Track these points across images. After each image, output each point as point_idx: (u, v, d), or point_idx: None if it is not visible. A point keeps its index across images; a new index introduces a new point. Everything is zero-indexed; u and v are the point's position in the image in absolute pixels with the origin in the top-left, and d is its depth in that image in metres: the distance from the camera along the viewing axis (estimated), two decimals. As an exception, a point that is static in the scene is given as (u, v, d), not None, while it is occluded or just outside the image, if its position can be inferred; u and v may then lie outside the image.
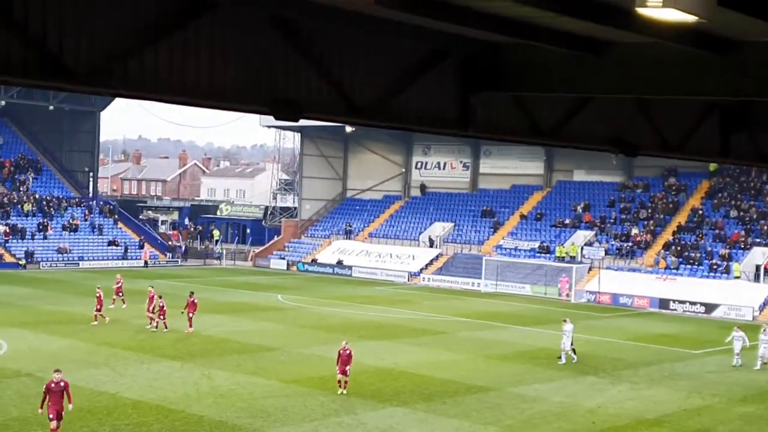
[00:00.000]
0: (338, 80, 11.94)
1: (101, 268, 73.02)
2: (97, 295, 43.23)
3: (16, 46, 9.05)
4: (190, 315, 41.44)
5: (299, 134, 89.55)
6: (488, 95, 13.68)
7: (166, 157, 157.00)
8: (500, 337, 44.96)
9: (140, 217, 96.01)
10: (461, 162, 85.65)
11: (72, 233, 78.65)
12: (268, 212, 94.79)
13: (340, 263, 77.20)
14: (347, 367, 29.72)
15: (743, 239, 64.50)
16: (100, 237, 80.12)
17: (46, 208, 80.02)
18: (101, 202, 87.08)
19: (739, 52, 11.58)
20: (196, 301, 42.16)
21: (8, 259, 72.05)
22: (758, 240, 64.21)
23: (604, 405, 30.27)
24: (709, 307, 58.07)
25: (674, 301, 59.62)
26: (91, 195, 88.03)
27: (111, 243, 79.42)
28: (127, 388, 29.59)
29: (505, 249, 72.78)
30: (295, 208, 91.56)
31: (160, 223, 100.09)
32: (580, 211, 74.64)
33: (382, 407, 28.54)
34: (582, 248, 69.20)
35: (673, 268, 64.09)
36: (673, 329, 50.63)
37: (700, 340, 46.39)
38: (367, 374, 32.92)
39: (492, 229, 76.88)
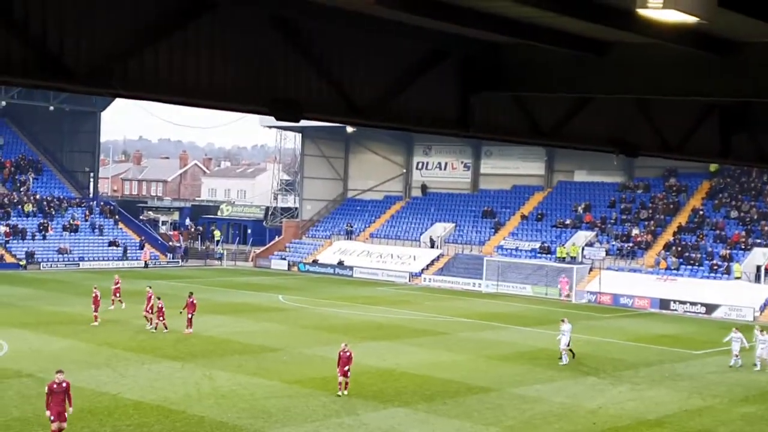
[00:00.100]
0: (338, 80, 11.94)
1: (102, 268, 73.04)
2: (93, 295, 43.24)
3: (16, 46, 9.05)
4: (190, 316, 41.40)
5: (300, 134, 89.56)
6: (488, 95, 13.68)
7: (167, 158, 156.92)
8: (501, 337, 44.95)
9: (141, 217, 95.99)
10: (462, 162, 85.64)
11: (72, 234, 78.68)
12: (269, 213, 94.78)
13: (341, 264, 77.20)
14: (347, 369, 29.72)
15: (744, 240, 64.47)
16: (100, 237, 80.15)
17: (46, 208, 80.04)
18: (102, 203, 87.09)
19: (739, 53, 11.58)
20: (195, 301, 42.13)
21: (9, 259, 72.08)
22: (759, 240, 64.17)
23: (605, 406, 30.27)
24: (710, 308, 58.05)
25: (675, 301, 59.59)
26: (91, 195, 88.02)
27: (111, 243, 79.44)
28: (128, 388, 29.59)
29: (506, 249, 72.76)
30: (296, 208, 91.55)
31: (160, 224, 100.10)
32: (581, 211, 74.63)
33: (384, 408, 28.53)
34: (583, 249, 69.19)
35: (674, 269, 64.07)
36: (673, 330, 50.62)
37: (701, 340, 46.37)
38: (368, 375, 32.91)
39: (493, 230, 76.87)
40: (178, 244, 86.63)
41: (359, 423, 26.53)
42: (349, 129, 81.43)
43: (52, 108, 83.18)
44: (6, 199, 79.18)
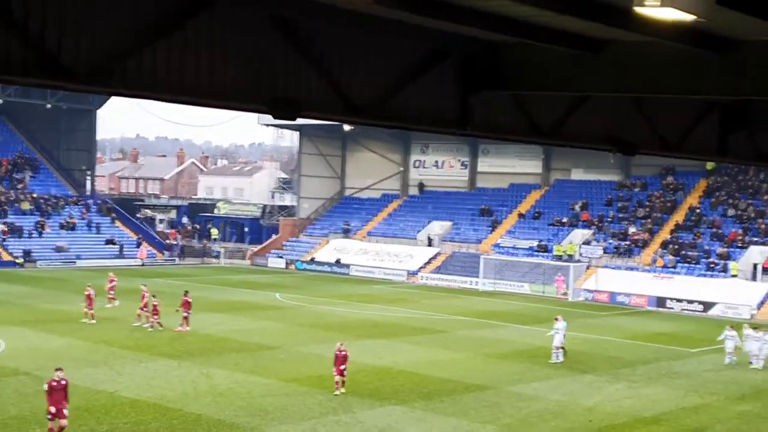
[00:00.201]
0: (338, 80, 11.96)
1: (98, 266, 72.92)
2: (86, 293, 43.21)
3: (16, 46, 9.07)
4: (185, 314, 41.35)
5: (298, 133, 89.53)
6: (487, 95, 13.70)
7: (164, 156, 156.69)
8: (498, 335, 45.00)
9: (138, 215, 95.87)
10: (459, 161, 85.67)
11: (69, 232, 78.64)
12: (266, 211, 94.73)
13: (338, 262, 77.19)
14: (343, 368, 29.74)
15: (741, 238, 64.56)
16: (97, 235, 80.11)
17: (43, 206, 79.98)
18: (99, 201, 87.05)
19: (737, 51, 11.59)
20: (190, 299, 42.05)
21: (6, 257, 71.99)
22: (756, 239, 64.27)
23: (601, 403, 30.32)
24: (707, 306, 58.13)
25: (672, 299, 59.68)
26: (88, 193, 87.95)
27: (108, 241, 79.41)
28: (125, 386, 29.59)
29: (504, 248, 72.81)
30: (294, 206, 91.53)
31: (157, 222, 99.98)
32: (578, 209, 74.68)
33: (381, 406, 28.57)
34: (580, 247, 69.25)
35: (671, 267, 64.16)
36: (670, 328, 50.70)
37: (698, 338, 46.45)
38: (365, 373, 32.94)
39: (490, 228, 76.90)
40: (175, 242, 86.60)
41: (356, 421, 26.55)
42: (347, 127, 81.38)
43: (48, 106, 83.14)
44: (3, 197, 79.11)
